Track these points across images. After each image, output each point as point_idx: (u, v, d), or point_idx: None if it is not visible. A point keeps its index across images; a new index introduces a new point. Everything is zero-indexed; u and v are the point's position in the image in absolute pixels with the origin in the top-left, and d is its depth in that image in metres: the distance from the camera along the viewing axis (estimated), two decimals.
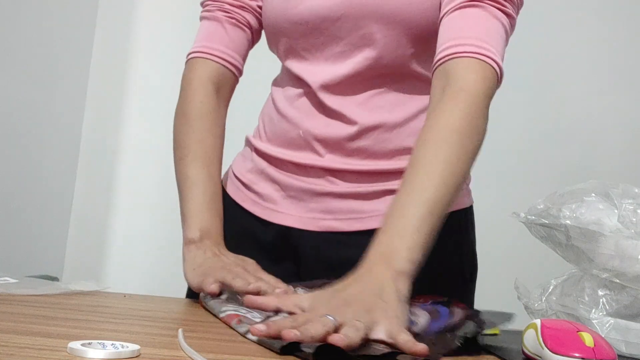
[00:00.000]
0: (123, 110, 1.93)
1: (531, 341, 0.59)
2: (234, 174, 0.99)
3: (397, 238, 0.68)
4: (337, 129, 0.89)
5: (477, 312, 0.70)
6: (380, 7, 0.84)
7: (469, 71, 0.77)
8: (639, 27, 1.96)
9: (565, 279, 0.77)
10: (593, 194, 0.74)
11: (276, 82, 0.99)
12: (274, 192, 0.92)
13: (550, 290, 0.77)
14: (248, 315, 0.67)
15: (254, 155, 0.97)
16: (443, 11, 0.83)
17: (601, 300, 0.70)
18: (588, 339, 0.56)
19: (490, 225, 1.91)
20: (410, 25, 0.85)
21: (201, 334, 0.60)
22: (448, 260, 0.90)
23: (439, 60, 0.80)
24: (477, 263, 0.96)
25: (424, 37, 0.87)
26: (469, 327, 0.62)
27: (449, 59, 0.78)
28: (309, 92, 0.91)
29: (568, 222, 0.72)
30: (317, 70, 0.90)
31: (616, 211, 0.71)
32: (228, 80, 0.98)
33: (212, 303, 0.74)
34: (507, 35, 0.83)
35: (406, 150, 0.89)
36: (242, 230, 0.93)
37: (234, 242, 0.91)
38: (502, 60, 0.79)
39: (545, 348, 0.56)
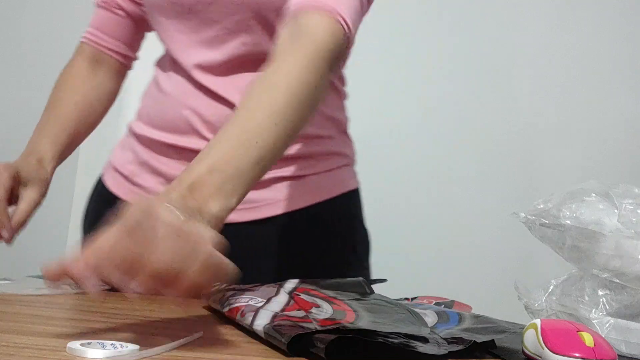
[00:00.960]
0: (123, 110, 1.93)
1: (531, 341, 0.59)
2: (113, 166, 0.96)
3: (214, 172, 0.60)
4: (224, 112, 0.87)
5: (490, 320, 0.70)
6: None
7: (319, 24, 0.71)
8: (639, 26, 1.96)
9: (565, 279, 0.77)
10: (593, 194, 0.74)
11: (158, 63, 0.97)
12: (159, 186, 0.89)
13: (550, 290, 0.77)
14: (251, 302, 0.67)
15: (136, 143, 0.94)
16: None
17: (601, 300, 0.70)
18: (588, 339, 0.56)
19: (491, 225, 1.91)
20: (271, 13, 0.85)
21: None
22: (342, 240, 0.94)
23: (290, 11, 0.74)
24: (370, 240, 0.99)
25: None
26: (483, 335, 0.62)
27: (301, 10, 0.73)
28: (187, 75, 0.89)
29: (568, 222, 0.72)
30: (192, 53, 0.88)
31: (616, 211, 0.70)
32: (106, 62, 1.00)
33: (214, 298, 0.74)
34: (362, 3, 0.79)
35: (301, 138, 0.89)
36: None
37: None
38: (356, 27, 0.75)
39: (545, 348, 0.56)
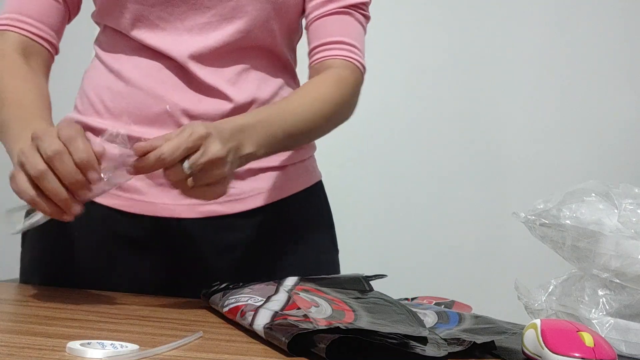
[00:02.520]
0: None
1: (531, 341, 0.59)
2: None
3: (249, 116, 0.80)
4: (212, 105, 0.85)
5: (490, 320, 0.70)
6: None
7: (344, 68, 0.91)
8: (639, 26, 1.96)
9: (565, 279, 0.77)
10: (593, 194, 0.74)
11: (111, 49, 0.89)
12: (136, 181, 0.84)
13: (550, 290, 0.77)
14: (250, 302, 0.67)
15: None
16: (316, 13, 0.91)
17: (601, 300, 0.70)
18: (588, 339, 0.56)
19: (491, 225, 1.92)
20: (276, 3, 0.86)
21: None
22: (320, 227, 0.96)
23: (320, 58, 0.91)
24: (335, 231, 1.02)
25: (289, 15, 0.89)
26: (483, 336, 0.62)
27: (327, 59, 0.91)
28: (174, 65, 0.85)
29: (568, 222, 0.72)
30: (180, 41, 0.85)
31: (616, 211, 0.70)
32: (39, 53, 0.86)
33: (214, 298, 0.74)
34: (365, 33, 0.96)
35: None
36: (98, 227, 0.85)
37: (91, 241, 0.85)
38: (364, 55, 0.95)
39: (545, 348, 0.56)
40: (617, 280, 0.69)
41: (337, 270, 0.97)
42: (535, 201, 0.78)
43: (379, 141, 1.92)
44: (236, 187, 0.87)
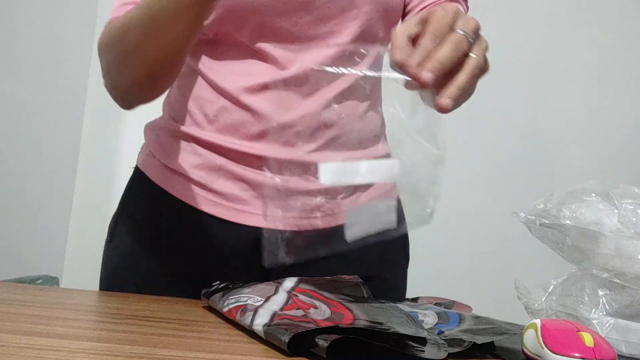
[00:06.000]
0: (122, 110, 1.93)
1: (531, 341, 0.59)
2: (174, 170, 0.87)
3: None
4: (314, 120, 0.83)
5: (491, 321, 0.70)
6: None
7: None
8: (639, 27, 1.96)
9: (565, 279, 0.77)
10: (593, 194, 0.74)
11: (211, 58, 0.87)
12: (241, 192, 0.85)
13: (550, 290, 0.77)
14: (250, 302, 0.67)
15: (197, 147, 0.86)
16: (423, 5, 0.88)
17: (601, 300, 0.70)
18: (588, 339, 0.56)
19: (490, 225, 1.92)
20: (387, 6, 0.86)
21: (201, 334, 0.60)
22: (391, 246, 0.94)
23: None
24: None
25: (395, 17, 0.89)
26: (483, 336, 0.62)
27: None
28: (285, 78, 0.83)
29: (568, 222, 0.72)
30: (303, 51, 0.83)
31: (616, 211, 0.71)
32: None
33: (214, 298, 0.74)
34: None
35: (371, 141, 0.89)
36: (198, 234, 0.86)
37: (189, 246, 0.85)
38: None
39: (545, 348, 0.56)
40: (617, 280, 0.69)
41: (405, 283, 0.97)
42: (535, 201, 0.78)
43: None
44: (333, 202, 0.87)
